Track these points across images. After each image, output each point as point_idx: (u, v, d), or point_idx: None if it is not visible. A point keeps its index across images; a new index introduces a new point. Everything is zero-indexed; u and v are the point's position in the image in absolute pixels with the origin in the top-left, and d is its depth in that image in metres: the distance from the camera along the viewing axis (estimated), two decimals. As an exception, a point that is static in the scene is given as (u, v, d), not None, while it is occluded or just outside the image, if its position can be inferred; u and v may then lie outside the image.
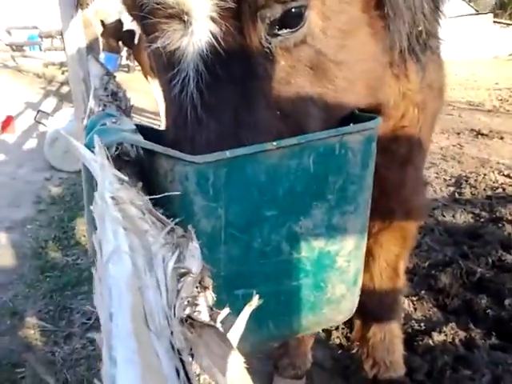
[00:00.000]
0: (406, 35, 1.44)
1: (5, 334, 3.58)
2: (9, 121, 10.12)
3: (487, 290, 3.65)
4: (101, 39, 9.42)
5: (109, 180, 0.69)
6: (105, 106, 1.59)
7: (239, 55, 1.04)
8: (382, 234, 2.13)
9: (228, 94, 1.05)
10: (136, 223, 0.59)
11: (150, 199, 0.98)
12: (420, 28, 1.54)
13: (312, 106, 1.14)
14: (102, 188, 0.66)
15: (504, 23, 34.95)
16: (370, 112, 1.29)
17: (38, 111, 9.88)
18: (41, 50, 20.28)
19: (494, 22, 33.85)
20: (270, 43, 1.05)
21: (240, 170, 1.01)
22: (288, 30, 1.05)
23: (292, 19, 1.04)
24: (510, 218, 4.97)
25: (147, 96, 10.61)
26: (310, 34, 1.09)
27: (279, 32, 1.05)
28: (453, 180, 6.53)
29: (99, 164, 0.74)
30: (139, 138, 1.03)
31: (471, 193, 5.94)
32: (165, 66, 1.10)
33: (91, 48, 2.98)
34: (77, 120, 3.51)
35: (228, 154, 0.98)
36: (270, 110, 1.09)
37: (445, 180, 6.57)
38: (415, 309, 3.61)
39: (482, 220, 5.07)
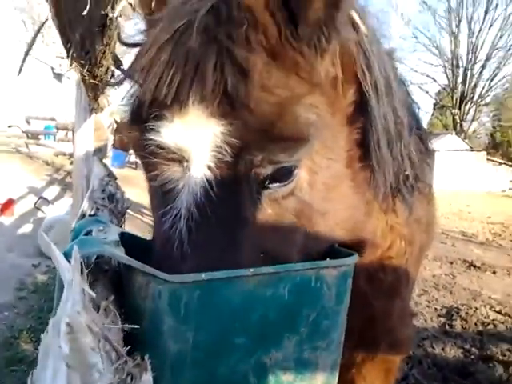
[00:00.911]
0: (390, 181, 1.53)
1: None
2: (9, 204, 10.21)
3: None
4: (111, 137, 9.85)
5: (72, 300, 0.69)
6: (98, 209, 1.63)
7: (230, 201, 1.11)
8: (366, 365, 2.06)
9: (215, 235, 1.10)
10: (84, 356, 0.58)
11: (121, 312, 0.98)
12: (407, 172, 1.64)
13: (294, 247, 1.20)
14: (61, 311, 0.66)
15: (496, 161, 36.75)
16: (351, 245, 1.33)
17: (40, 197, 10.03)
18: (54, 139, 21.09)
19: (488, 159, 35.63)
20: (260, 194, 1.13)
21: (214, 293, 1.01)
22: (278, 184, 1.14)
23: (282, 175, 1.14)
24: (501, 357, 4.82)
25: (149, 194, 10.73)
26: (298, 188, 1.18)
27: (269, 185, 1.13)
28: (444, 310, 6.43)
29: (68, 280, 0.75)
30: (120, 250, 1.05)
31: (462, 326, 5.82)
32: (159, 201, 1.18)
33: (99, 149, 3.12)
34: (72, 214, 3.56)
35: (204, 276, 0.99)
36: (254, 252, 1.14)
37: (436, 309, 6.46)
38: None
39: (472, 357, 4.91)
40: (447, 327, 5.79)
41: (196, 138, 1.08)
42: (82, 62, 2.08)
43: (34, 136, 20.75)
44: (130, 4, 1.55)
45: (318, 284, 1.09)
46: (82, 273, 0.88)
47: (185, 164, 1.10)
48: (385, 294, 1.85)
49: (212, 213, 1.09)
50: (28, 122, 22.07)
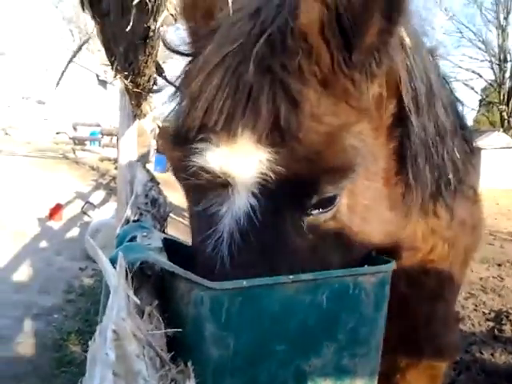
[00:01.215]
0: (428, 192, 1.50)
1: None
2: (58, 209, 10.59)
3: None
4: (154, 142, 10.08)
5: (118, 307, 0.73)
6: (141, 214, 1.69)
7: (272, 227, 1.12)
8: (410, 371, 2.02)
9: (256, 260, 1.12)
10: (130, 364, 0.61)
11: (164, 317, 1.02)
12: (449, 176, 1.60)
13: (332, 266, 1.19)
14: (107, 319, 0.70)
15: (548, 158, 35.11)
16: (388, 250, 1.33)
17: (86, 202, 10.36)
18: (100, 145, 21.74)
19: (538, 156, 34.09)
20: (302, 221, 1.14)
21: (255, 300, 1.03)
22: (320, 210, 1.15)
23: (326, 203, 1.15)
24: (553, 364, 4.61)
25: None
26: (338, 212, 1.19)
27: (312, 212, 1.14)
28: (492, 314, 6.20)
29: (113, 286, 0.79)
30: (163, 256, 1.09)
31: (512, 331, 5.60)
32: (201, 224, 1.19)
33: (142, 155, 3.21)
34: (117, 218, 3.67)
35: (245, 282, 1.01)
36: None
37: (484, 313, 6.25)
38: None
39: (522, 363, 4.72)
40: (496, 332, 5.58)
41: (242, 163, 1.09)
42: (126, 73, 2.14)
43: (80, 142, 21.49)
44: (172, 15, 1.60)
45: (356, 291, 1.09)
46: (126, 279, 0.92)
47: (229, 189, 1.11)
48: (427, 297, 1.82)
49: (254, 238, 1.10)
50: (75, 129, 22.89)
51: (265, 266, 1.11)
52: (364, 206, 1.26)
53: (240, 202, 1.11)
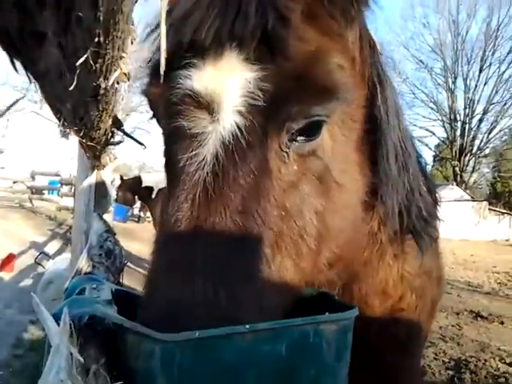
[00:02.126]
0: (398, 205, 1.55)
1: None
2: (10, 259, 10.13)
3: None
4: (115, 192, 9.94)
5: (57, 367, 0.67)
6: (94, 267, 1.62)
7: (258, 151, 1.11)
8: None
9: (240, 183, 1.09)
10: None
11: (112, 375, 0.95)
12: (419, 204, 1.64)
13: (312, 213, 1.21)
14: (43, 381, 0.64)
15: (499, 211, 36.79)
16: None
17: (41, 252, 9.96)
18: (58, 194, 21.26)
19: (490, 209, 35.67)
20: (288, 148, 1.15)
21: (209, 350, 0.97)
22: (306, 137, 1.17)
23: (311, 129, 1.17)
24: (516, 415, 4.60)
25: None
26: (321, 148, 1.21)
27: (298, 138, 1.16)
28: (452, 363, 6.21)
29: (55, 345, 0.73)
30: (112, 309, 1.03)
31: (472, 379, 5.61)
32: (182, 147, 1.15)
33: (99, 204, 3.12)
34: (71, 270, 3.52)
35: (198, 334, 0.96)
36: (276, 207, 1.14)
37: (444, 362, 6.25)
38: None
39: (484, 413, 4.69)
40: (456, 381, 5.57)
41: (228, 81, 1.08)
42: (76, 128, 2.04)
43: (38, 191, 20.99)
44: (125, 74, 1.53)
45: (316, 339, 1.05)
46: (71, 335, 0.86)
47: (215, 108, 1.09)
48: (396, 349, 1.79)
49: (239, 160, 1.09)
50: (33, 178, 22.35)
51: (248, 190, 1.10)
52: (342, 155, 1.30)
53: (226, 122, 1.09)
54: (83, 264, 1.73)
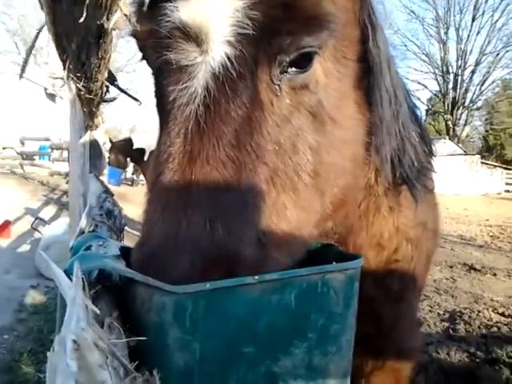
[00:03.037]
0: (391, 153, 1.53)
1: None
2: (5, 226, 10.17)
3: None
4: (108, 155, 9.85)
5: (76, 317, 0.67)
6: (96, 226, 1.62)
7: (249, 82, 1.09)
8: (375, 375, 2.03)
9: (232, 116, 1.08)
10: (93, 374, 0.56)
11: (125, 328, 0.96)
12: (411, 156, 1.64)
13: (307, 153, 1.19)
14: (66, 329, 0.64)
15: (491, 165, 37.00)
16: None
17: (36, 218, 9.98)
18: (49, 159, 21.07)
19: (482, 162, 35.85)
20: (280, 80, 1.13)
21: (220, 302, 0.99)
22: (297, 69, 1.14)
23: (303, 61, 1.14)
24: (507, 360, 4.78)
25: (146, 210, 10.73)
26: (314, 82, 1.19)
27: (289, 70, 1.14)
28: (447, 315, 6.39)
29: (71, 298, 0.73)
30: (121, 264, 1.03)
31: (466, 330, 5.78)
32: (171, 81, 1.13)
33: (94, 166, 3.10)
34: (70, 232, 3.53)
35: (208, 285, 0.97)
36: (270, 142, 1.12)
37: (438, 314, 6.43)
38: None
39: (477, 360, 4.87)
40: (451, 332, 5.75)
41: (216, 11, 1.06)
42: (78, 74, 2.06)
43: (28, 157, 20.77)
44: (126, 15, 1.54)
45: (324, 289, 1.07)
46: (83, 289, 0.86)
47: (204, 39, 1.07)
48: (392, 300, 1.83)
49: (230, 91, 1.07)
50: (22, 143, 22.08)
51: (239, 123, 1.08)
52: (336, 91, 1.27)
53: (216, 53, 1.07)
54: (85, 224, 1.73)
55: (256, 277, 1.01)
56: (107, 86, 2.45)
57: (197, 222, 1.02)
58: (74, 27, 1.60)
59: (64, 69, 2.04)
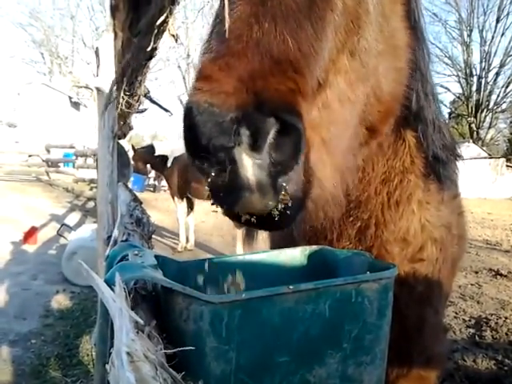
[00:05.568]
0: (432, 115, 1.59)
1: None
2: (32, 232, 10.34)
3: None
4: (132, 162, 10.00)
5: (126, 329, 0.69)
6: (128, 234, 1.65)
7: None
8: (400, 382, 2.01)
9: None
10: (148, 384, 0.58)
11: (162, 336, 0.99)
12: (442, 136, 1.67)
13: (370, 29, 1.20)
14: (118, 342, 0.67)
15: (517, 167, 36.14)
16: None
17: (62, 225, 10.13)
18: (74, 166, 21.41)
19: (507, 166, 35.06)
20: None
21: (255, 311, 1.01)
22: None
23: None
24: (535, 368, 4.66)
25: (168, 215, 10.90)
26: None
27: None
28: (472, 321, 6.26)
29: (118, 308, 0.75)
30: (159, 274, 1.06)
31: (492, 336, 5.65)
32: None
33: (122, 174, 3.16)
34: (98, 239, 3.59)
35: (244, 295, 0.99)
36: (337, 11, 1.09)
37: (464, 320, 6.30)
38: None
39: (505, 368, 4.76)
40: (477, 338, 5.63)
41: None
42: (128, 93, 2.13)
43: (54, 164, 21.17)
44: (173, 35, 1.56)
45: (358, 298, 1.08)
46: (126, 299, 0.89)
47: None
48: (416, 301, 1.81)
49: None
50: (48, 151, 22.49)
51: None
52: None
53: None
54: (118, 233, 1.76)
55: (291, 286, 1.02)
56: (141, 99, 2.51)
57: (269, 30, 0.97)
58: (138, 54, 1.65)
59: (119, 93, 2.09)
